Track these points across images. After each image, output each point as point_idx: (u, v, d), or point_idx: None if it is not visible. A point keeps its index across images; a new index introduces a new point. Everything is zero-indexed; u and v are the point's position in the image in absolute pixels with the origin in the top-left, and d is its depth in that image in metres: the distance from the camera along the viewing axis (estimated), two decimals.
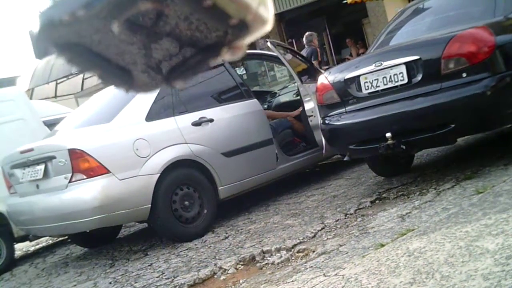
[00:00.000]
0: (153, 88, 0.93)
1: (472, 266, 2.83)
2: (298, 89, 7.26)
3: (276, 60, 7.80)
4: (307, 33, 11.91)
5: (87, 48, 0.87)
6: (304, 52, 10.78)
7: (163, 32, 0.86)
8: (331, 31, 18.74)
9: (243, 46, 0.88)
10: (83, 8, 0.78)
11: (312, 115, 6.88)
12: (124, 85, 0.93)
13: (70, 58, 0.89)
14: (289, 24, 18.20)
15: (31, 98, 13.95)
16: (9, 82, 16.53)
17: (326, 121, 5.65)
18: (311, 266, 3.86)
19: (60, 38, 0.85)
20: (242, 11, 0.81)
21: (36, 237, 7.63)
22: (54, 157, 5.76)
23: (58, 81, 18.14)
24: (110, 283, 5.10)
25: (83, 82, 18.58)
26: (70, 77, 17.62)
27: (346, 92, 5.42)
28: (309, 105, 6.90)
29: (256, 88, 8.54)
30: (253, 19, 0.82)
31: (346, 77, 5.40)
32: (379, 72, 5.12)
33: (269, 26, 0.86)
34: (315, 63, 9.26)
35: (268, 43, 6.87)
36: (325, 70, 7.44)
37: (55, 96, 18.41)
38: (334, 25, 18.82)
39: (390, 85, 5.08)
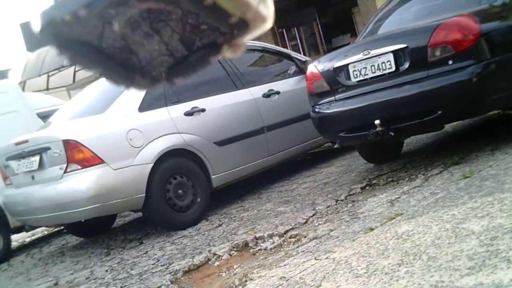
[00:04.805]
0: (153, 85, 0.95)
1: (458, 247, 2.91)
2: None
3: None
4: None
5: (89, 47, 0.89)
6: None
7: (164, 30, 0.88)
8: (321, 21, 18.73)
9: (243, 44, 0.89)
10: (85, 7, 0.80)
11: None
12: (126, 83, 0.95)
13: (72, 57, 0.91)
14: (279, 14, 18.16)
15: (23, 91, 13.95)
16: (1, 75, 16.52)
17: (316, 109, 5.71)
18: (303, 251, 3.94)
19: (62, 38, 0.86)
20: (242, 9, 0.82)
21: (32, 227, 7.70)
22: (49, 148, 5.81)
23: (50, 73, 18.13)
24: (107, 271, 5.17)
25: (74, 74, 18.56)
26: (61, 69, 17.61)
27: (335, 81, 5.49)
28: None
29: None
30: (253, 17, 0.84)
31: (335, 66, 5.47)
32: (367, 60, 5.19)
33: (269, 24, 0.88)
34: None
35: None
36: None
37: (47, 89, 18.39)
38: (324, 14, 18.79)
39: (378, 73, 5.15)
